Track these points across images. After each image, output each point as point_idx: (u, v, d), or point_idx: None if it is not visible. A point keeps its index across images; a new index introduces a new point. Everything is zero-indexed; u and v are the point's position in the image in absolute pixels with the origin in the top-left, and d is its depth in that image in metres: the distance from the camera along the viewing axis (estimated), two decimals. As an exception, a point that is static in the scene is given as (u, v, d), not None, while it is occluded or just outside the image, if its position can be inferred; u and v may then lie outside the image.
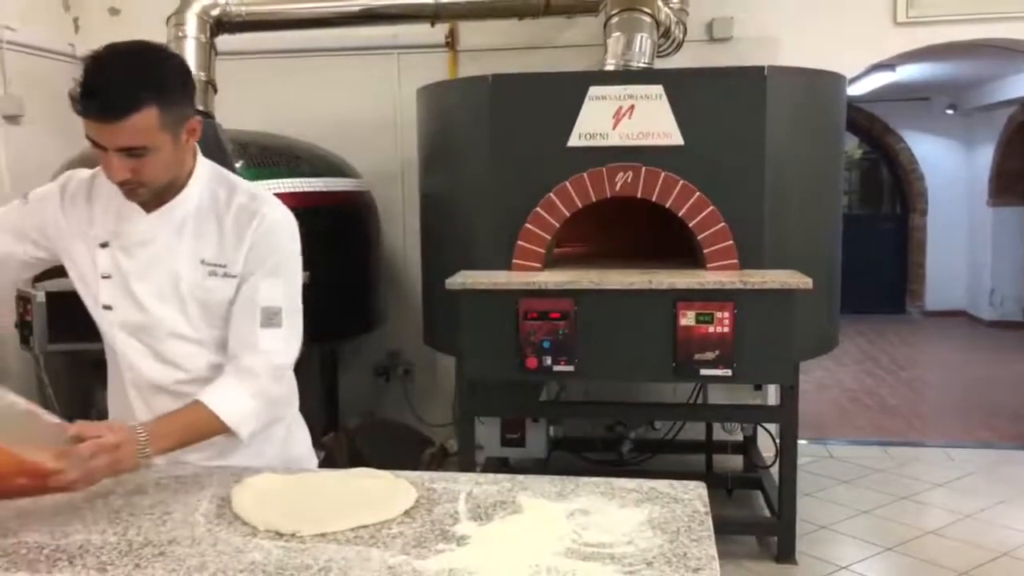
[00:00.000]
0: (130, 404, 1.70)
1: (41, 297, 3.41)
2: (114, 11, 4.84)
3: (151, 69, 1.49)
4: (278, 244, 1.65)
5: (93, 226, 1.66)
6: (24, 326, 3.53)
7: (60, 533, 1.33)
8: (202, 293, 1.63)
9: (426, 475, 1.57)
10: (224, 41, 4.10)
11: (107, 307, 1.66)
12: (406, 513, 1.39)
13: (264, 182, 3.64)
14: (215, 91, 4.01)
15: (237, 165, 3.74)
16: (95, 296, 1.67)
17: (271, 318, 1.62)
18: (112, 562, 1.24)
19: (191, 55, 3.92)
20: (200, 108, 3.91)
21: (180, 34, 3.93)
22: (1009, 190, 9.02)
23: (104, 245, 1.65)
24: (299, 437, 1.87)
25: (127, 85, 1.44)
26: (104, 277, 1.64)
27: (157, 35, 4.05)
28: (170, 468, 1.61)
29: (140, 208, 1.62)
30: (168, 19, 3.98)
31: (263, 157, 3.86)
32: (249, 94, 4.44)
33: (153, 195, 1.59)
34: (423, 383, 4.83)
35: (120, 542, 1.30)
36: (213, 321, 1.66)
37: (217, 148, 3.74)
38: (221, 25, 4.02)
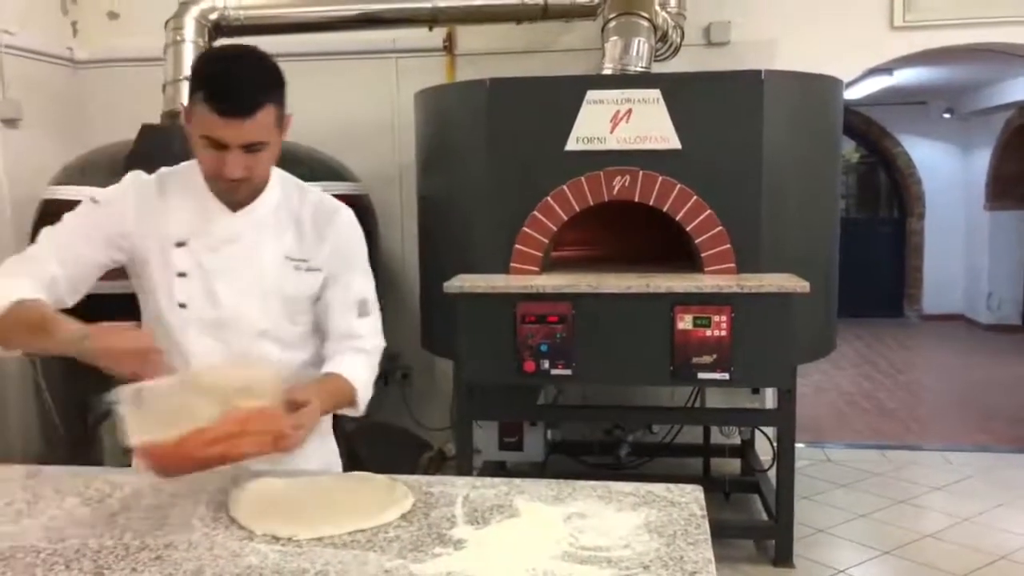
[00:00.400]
0: None
1: (38, 301, 3.40)
2: (113, 15, 4.84)
3: (266, 69, 1.58)
4: (356, 241, 1.78)
5: (167, 225, 1.67)
6: (21, 330, 3.52)
7: (56, 537, 1.33)
8: (289, 288, 1.70)
9: (423, 479, 1.57)
10: (222, 45, 4.10)
11: (182, 305, 1.67)
12: (403, 517, 1.39)
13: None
14: (213, 95, 4.01)
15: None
16: (169, 294, 1.68)
17: (364, 308, 1.77)
18: (109, 566, 1.24)
19: (189, 59, 3.93)
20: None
21: (178, 38, 3.94)
22: (1006, 194, 9.04)
23: (180, 244, 1.67)
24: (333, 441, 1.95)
25: (255, 84, 1.54)
26: (180, 275, 1.66)
27: (155, 39, 4.06)
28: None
29: (225, 207, 1.66)
30: (167, 23, 3.99)
31: (260, 161, 3.86)
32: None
33: (248, 193, 1.66)
34: (421, 387, 4.83)
35: (117, 546, 1.30)
36: (295, 317, 1.73)
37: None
38: (219, 29, 4.02)
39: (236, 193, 1.64)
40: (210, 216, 1.67)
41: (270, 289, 1.69)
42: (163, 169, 1.72)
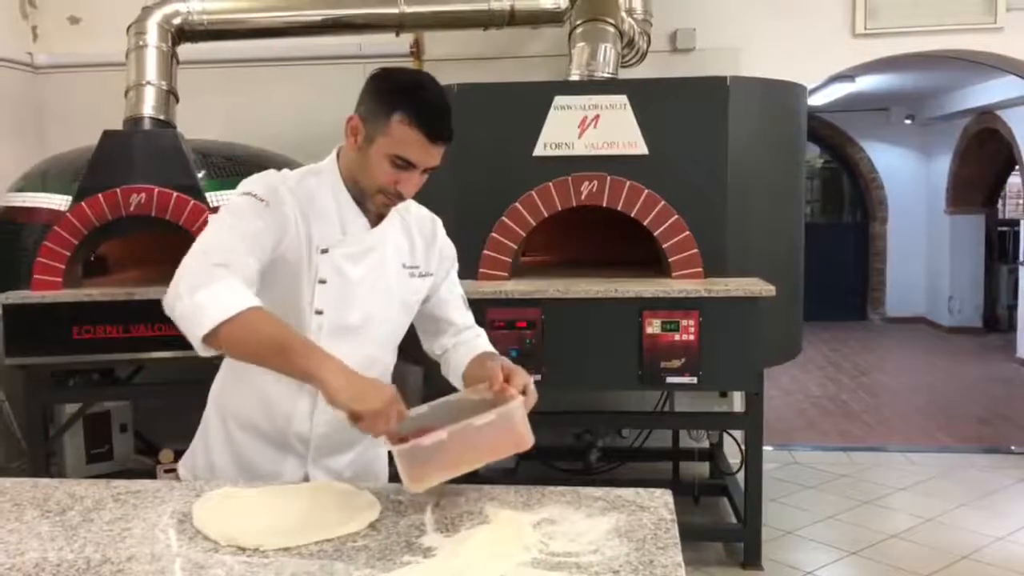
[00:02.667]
0: (309, 405, 1.73)
1: (-3, 310, 3.33)
2: (74, 20, 4.77)
3: None
4: (451, 244, 1.91)
5: (314, 232, 1.66)
6: (-20, 339, 3.45)
7: (15, 551, 1.30)
8: (408, 294, 1.80)
9: (392, 487, 1.56)
10: (185, 50, 4.05)
11: (319, 311, 1.68)
12: (371, 526, 1.38)
13: (226, 192, 3.60)
14: (176, 100, 3.96)
15: (200, 175, 3.70)
16: (309, 300, 1.67)
17: (466, 302, 1.93)
18: (69, 580, 1.21)
19: (152, 64, 3.87)
20: (161, 118, 3.87)
21: (141, 43, 3.89)
22: (966, 199, 9.22)
23: (324, 251, 1.67)
24: None
25: (451, 112, 1.62)
26: (320, 282, 1.68)
27: (117, 44, 4.01)
28: (129, 483, 1.59)
29: (365, 220, 1.71)
30: (129, 28, 3.93)
31: (226, 167, 3.82)
32: (211, 103, 4.40)
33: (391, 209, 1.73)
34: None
35: (77, 559, 1.27)
36: (407, 322, 1.85)
37: (179, 158, 3.70)
38: (183, 34, 3.97)
39: (389, 208, 1.71)
40: (352, 226, 1.70)
41: (396, 297, 1.78)
42: (300, 171, 1.73)
